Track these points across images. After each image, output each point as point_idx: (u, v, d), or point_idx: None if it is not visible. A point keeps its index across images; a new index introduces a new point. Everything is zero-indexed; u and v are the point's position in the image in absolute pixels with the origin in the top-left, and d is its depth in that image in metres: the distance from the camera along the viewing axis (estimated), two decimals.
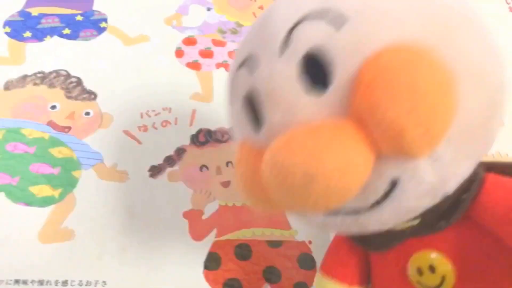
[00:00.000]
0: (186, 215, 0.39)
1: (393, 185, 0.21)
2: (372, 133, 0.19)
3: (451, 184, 0.22)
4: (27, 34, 0.47)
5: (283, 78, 0.21)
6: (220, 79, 0.47)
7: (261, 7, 0.53)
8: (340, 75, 0.20)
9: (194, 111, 0.45)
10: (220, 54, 0.49)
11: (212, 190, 0.41)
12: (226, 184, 0.41)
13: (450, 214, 0.23)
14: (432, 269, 0.24)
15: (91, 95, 0.44)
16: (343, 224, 0.23)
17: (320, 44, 0.20)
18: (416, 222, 0.24)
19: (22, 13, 0.48)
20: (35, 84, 0.44)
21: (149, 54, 0.47)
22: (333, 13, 0.20)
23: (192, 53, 0.48)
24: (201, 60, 0.48)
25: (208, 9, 0.52)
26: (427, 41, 0.20)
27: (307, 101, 0.20)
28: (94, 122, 0.42)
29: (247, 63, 0.23)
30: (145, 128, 0.43)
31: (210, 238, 0.38)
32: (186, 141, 0.43)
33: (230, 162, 0.42)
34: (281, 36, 0.21)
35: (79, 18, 0.48)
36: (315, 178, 0.19)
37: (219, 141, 0.43)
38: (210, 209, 0.40)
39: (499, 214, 0.22)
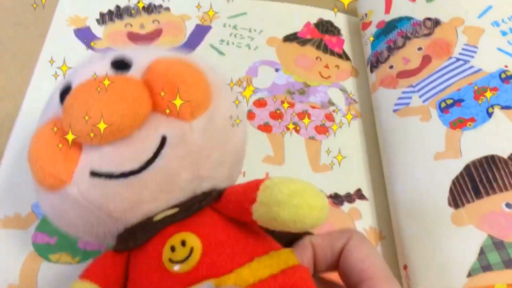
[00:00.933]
0: None
1: (163, 142, 0.27)
2: (152, 89, 0.27)
3: (207, 165, 0.29)
4: None
5: (99, 63, 0.29)
6: (290, 141, 0.48)
7: (326, 66, 0.54)
8: (139, 64, 0.29)
9: (267, 175, 0.45)
10: (289, 115, 0.49)
11: None
12: None
13: (202, 201, 0.28)
14: (183, 243, 0.26)
15: None
16: (115, 191, 0.27)
17: (126, 55, 0.30)
18: (174, 210, 0.28)
19: None
20: None
21: None
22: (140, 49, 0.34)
23: (262, 115, 0.49)
24: (272, 122, 0.49)
25: (276, 70, 0.53)
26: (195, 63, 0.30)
27: (111, 72, 0.28)
28: None
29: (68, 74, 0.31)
30: None
31: None
32: None
33: None
34: (99, 56, 0.30)
35: None
36: (110, 90, 0.26)
37: None
38: None
39: (236, 195, 0.27)
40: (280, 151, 0.47)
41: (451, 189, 0.42)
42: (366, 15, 0.57)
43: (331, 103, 0.51)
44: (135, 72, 0.28)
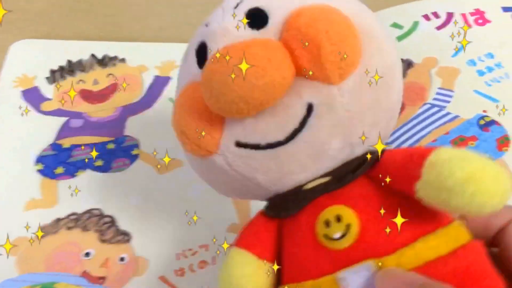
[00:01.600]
0: None
1: (309, 110, 0.25)
2: (294, 51, 0.24)
3: (357, 130, 0.26)
4: (59, 170, 0.46)
5: (233, 20, 0.26)
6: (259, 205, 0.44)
7: None
8: (276, 17, 0.26)
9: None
10: None
11: None
12: None
13: (356, 170, 0.26)
14: (338, 219, 0.25)
15: (125, 237, 0.42)
16: (262, 162, 0.26)
17: (262, 3, 0.27)
18: (326, 179, 0.26)
19: (54, 146, 0.48)
20: (68, 228, 0.43)
21: (184, 181, 0.45)
22: None
23: None
24: None
25: None
26: (346, 9, 0.26)
27: (249, 33, 0.26)
28: (129, 269, 0.40)
29: (203, 26, 0.29)
30: (181, 272, 0.40)
31: None
32: None
33: None
34: (233, 3, 0.28)
35: (110, 146, 0.47)
36: (247, 59, 0.23)
37: None
38: None
39: (397, 167, 0.25)
40: (246, 217, 0.44)
41: None
42: None
43: None
44: (272, 28, 0.26)
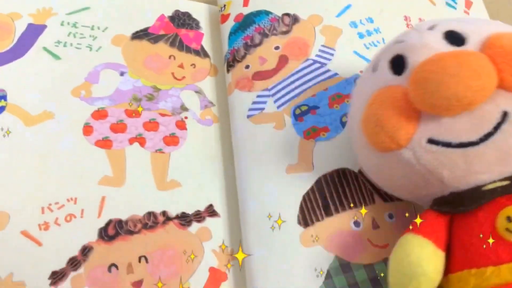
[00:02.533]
0: None
1: (504, 117, 0.28)
2: (498, 65, 0.28)
3: None
4: None
5: (432, 37, 0.31)
6: (134, 156, 0.43)
7: (181, 66, 0.49)
8: (474, 39, 0.30)
9: (103, 199, 0.41)
10: (134, 126, 0.44)
11: None
12: (138, 284, 0.38)
13: None
14: None
15: None
16: (451, 159, 0.29)
17: (456, 27, 0.31)
18: (506, 183, 0.30)
19: None
20: None
21: (53, 134, 0.42)
22: (461, 21, 0.33)
23: (102, 128, 0.44)
24: (112, 136, 0.44)
25: (122, 74, 0.47)
26: None
27: (450, 48, 0.30)
28: None
29: (396, 43, 0.34)
30: (46, 226, 0.39)
31: None
32: (94, 237, 0.39)
33: (144, 256, 0.38)
34: (427, 26, 0.33)
35: None
36: (465, 63, 0.27)
37: (131, 232, 0.39)
38: None
39: None
40: (121, 170, 0.42)
41: (301, 206, 0.40)
42: (224, 6, 0.53)
43: (184, 108, 0.47)
44: (471, 46, 0.30)
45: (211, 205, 0.43)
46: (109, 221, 0.40)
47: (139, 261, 0.38)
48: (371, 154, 0.33)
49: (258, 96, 0.46)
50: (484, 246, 0.29)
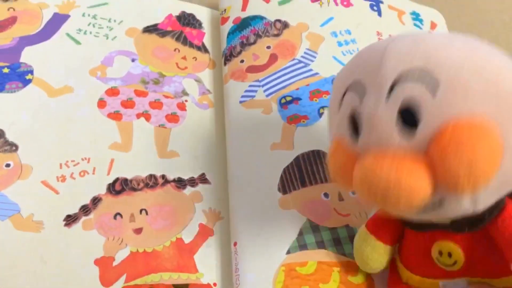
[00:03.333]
0: (97, 262, 0.42)
1: (440, 203, 0.29)
2: (436, 173, 0.27)
3: (481, 207, 0.30)
4: None
5: (385, 118, 0.29)
6: (140, 128, 0.50)
7: (184, 58, 0.57)
8: (425, 129, 0.28)
9: (112, 160, 0.47)
10: (141, 104, 0.52)
11: (125, 237, 0.44)
12: (138, 231, 0.44)
13: (473, 225, 0.33)
14: (449, 254, 0.34)
15: (12, 147, 0.46)
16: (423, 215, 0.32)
17: (417, 102, 0.28)
18: (447, 221, 0.34)
19: None
20: None
21: (72, 105, 0.50)
22: (430, 77, 0.28)
23: (114, 103, 0.51)
24: (122, 111, 0.51)
25: (133, 60, 0.55)
26: (492, 118, 0.27)
27: (399, 139, 0.29)
28: (14, 174, 0.45)
29: (355, 86, 0.31)
30: (63, 178, 0.45)
31: (119, 284, 0.41)
32: (103, 190, 0.46)
33: (144, 209, 0.45)
34: (388, 85, 0.29)
35: (5, 70, 0.51)
36: (394, 186, 0.27)
37: (135, 189, 0.46)
38: (121, 256, 0.43)
39: (506, 238, 0.32)
40: (129, 138, 0.49)
41: (281, 177, 0.47)
42: (225, 10, 0.61)
43: (184, 93, 0.54)
44: (422, 135, 0.28)
45: (203, 174, 0.49)
46: (117, 178, 0.47)
47: (140, 213, 0.45)
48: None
49: (250, 86, 0.53)
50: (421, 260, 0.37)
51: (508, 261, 0.32)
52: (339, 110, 0.33)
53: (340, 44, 0.58)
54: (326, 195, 0.46)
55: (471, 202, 0.29)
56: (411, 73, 0.28)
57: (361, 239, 0.40)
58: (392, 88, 0.29)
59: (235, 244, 0.44)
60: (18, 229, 0.42)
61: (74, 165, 0.46)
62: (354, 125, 0.32)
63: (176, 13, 0.61)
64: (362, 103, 0.30)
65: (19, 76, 0.51)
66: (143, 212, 0.45)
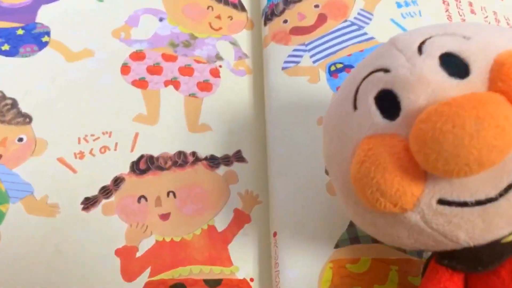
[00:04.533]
0: (118, 252, 0.37)
1: None
2: None
3: None
4: None
5: (427, 66, 0.24)
6: (168, 98, 0.44)
7: (218, 17, 0.50)
8: (479, 65, 0.24)
9: (136, 135, 0.42)
10: (170, 70, 0.46)
11: (150, 223, 0.38)
12: (165, 217, 0.39)
13: None
14: None
15: (26, 119, 0.41)
16: (468, 220, 0.24)
17: (454, 48, 0.25)
18: None
19: None
20: None
21: (93, 71, 0.44)
22: (456, 34, 0.26)
23: (139, 69, 0.45)
24: (149, 78, 0.45)
25: (161, 20, 0.49)
26: None
27: (453, 83, 0.24)
28: (27, 149, 0.40)
29: (376, 71, 0.27)
30: (81, 155, 0.40)
31: (143, 278, 0.36)
32: (126, 169, 0.40)
33: (172, 191, 0.40)
34: (414, 46, 0.26)
35: (20, 32, 0.45)
36: (485, 118, 0.21)
37: (161, 168, 0.41)
38: (145, 245, 0.38)
39: None
40: (155, 110, 0.44)
41: None
42: None
43: (218, 57, 0.48)
44: (477, 77, 0.24)
45: (239, 151, 0.44)
46: (141, 156, 0.41)
47: (167, 196, 0.40)
48: (366, 212, 0.27)
49: (295, 50, 0.47)
50: None
51: None
52: (354, 109, 0.27)
53: (399, 5, 0.50)
54: None
55: None
56: (434, 35, 0.26)
57: None
58: (420, 48, 0.26)
59: (274, 234, 0.39)
60: (30, 213, 0.38)
61: (94, 140, 0.41)
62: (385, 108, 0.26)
63: None
64: (392, 71, 0.26)
65: (35, 38, 0.45)
66: (171, 195, 0.40)
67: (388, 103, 0.25)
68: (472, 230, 0.25)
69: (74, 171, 0.40)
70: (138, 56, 0.46)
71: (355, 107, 0.27)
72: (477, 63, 0.24)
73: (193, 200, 0.40)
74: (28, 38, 0.45)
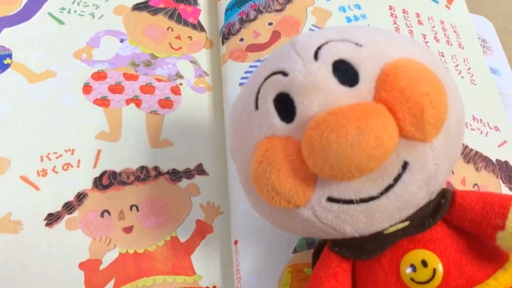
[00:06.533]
0: (82, 266, 0.38)
1: (404, 167, 0.26)
2: (397, 113, 0.24)
3: (439, 179, 0.27)
4: None
5: (321, 73, 0.26)
6: (130, 115, 0.46)
7: (178, 37, 0.52)
8: (367, 73, 0.26)
9: (99, 152, 0.43)
10: (131, 88, 0.47)
11: (113, 237, 0.39)
12: (128, 229, 0.40)
13: (435, 215, 0.29)
14: (424, 263, 0.28)
15: None
16: (353, 216, 0.27)
17: (346, 55, 0.26)
18: (406, 224, 0.28)
19: None
20: None
21: (55, 91, 0.45)
22: (351, 41, 0.27)
23: (101, 88, 0.46)
24: (110, 96, 0.46)
25: (122, 41, 0.50)
26: (425, 61, 0.27)
27: (343, 91, 0.25)
28: None
29: (275, 73, 0.28)
30: (44, 173, 0.41)
31: None
32: (89, 185, 0.41)
33: (135, 205, 0.41)
34: (311, 51, 0.27)
35: None
36: (366, 130, 0.23)
37: (124, 183, 0.42)
38: (109, 258, 0.39)
39: (476, 213, 0.28)
40: (117, 127, 0.45)
41: None
42: None
43: (179, 75, 0.50)
44: (365, 86, 0.26)
45: (200, 164, 0.45)
46: (104, 171, 0.42)
47: (131, 209, 0.41)
48: (265, 205, 0.28)
49: (251, 66, 0.48)
50: None
51: (490, 235, 0.28)
52: (256, 108, 0.28)
53: (349, 20, 0.53)
54: None
55: (432, 156, 0.26)
56: (331, 39, 0.27)
57: None
58: (316, 54, 0.27)
59: (235, 242, 0.40)
60: None
61: (57, 158, 0.42)
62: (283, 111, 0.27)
63: None
64: (290, 75, 0.27)
65: None
66: (134, 208, 0.41)
67: (287, 105, 0.27)
68: (357, 224, 0.27)
69: (37, 188, 0.40)
70: (99, 76, 0.47)
71: (256, 107, 0.28)
72: (366, 71, 0.26)
73: (156, 213, 0.41)
74: None
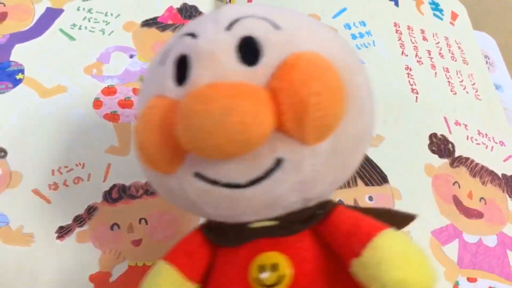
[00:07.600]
0: (92, 278, 0.38)
1: (277, 164, 0.24)
2: (281, 105, 0.23)
3: (318, 187, 0.26)
4: None
5: (224, 44, 0.24)
6: None
7: None
8: (270, 58, 0.24)
9: (109, 166, 0.44)
10: None
11: (122, 250, 0.40)
12: (137, 242, 0.40)
13: (305, 222, 0.27)
14: (274, 268, 0.26)
15: (1, 153, 0.42)
16: (217, 197, 0.25)
17: (258, 34, 0.25)
18: (272, 223, 0.27)
19: None
20: None
21: (65, 106, 0.46)
22: (271, 21, 0.25)
23: (111, 103, 0.47)
24: (120, 111, 0.47)
25: (131, 56, 0.51)
26: (340, 63, 0.25)
27: (237, 68, 0.24)
28: (2, 182, 0.41)
29: (189, 35, 0.26)
30: (55, 186, 0.42)
31: None
32: (99, 198, 0.42)
33: (144, 218, 0.41)
34: (227, 21, 0.25)
35: None
36: (233, 111, 0.22)
37: (133, 197, 0.42)
38: (119, 271, 0.39)
39: (342, 233, 0.25)
40: (127, 141, 0.45)
41: None
42: (230, 1, 0.57)
43: None
44: (263, 68, 0.24)
45: None
46: (114, 185, 0.43)
47: (139, 223, 0.41)
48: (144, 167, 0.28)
49: None
50: None
51: (346, 260, 0.25)
52: (161, 64, 0.27)
53: (354, 37, 0.54)
54: (340, 201, 0.42)
55: (311, 162, 0.24)
56: (250, 15, 0.26)
57: (154, 275, 0.29)
58: (231, 25, 0.25)
59: None
60: (7, 243, 0.39)
61: (68, 172, 0.43)
62: (180, 73, 0.26)
63: (177, 5, 0.57)
64: (196, 39, 0.26)
65: (9, 76, 0.47)
66: (143, 221, 0.41)
67: (185, 69, 0.25)
68: (218, 207, 0.26)
69: (48, 201, 0.41)
70: (109, 91, 0.48)
71: (161, 63, 0.27)
72: (270, 55, 0.24)
73: (164, 226, 0.42)
74: (3, 76, 0.47)
